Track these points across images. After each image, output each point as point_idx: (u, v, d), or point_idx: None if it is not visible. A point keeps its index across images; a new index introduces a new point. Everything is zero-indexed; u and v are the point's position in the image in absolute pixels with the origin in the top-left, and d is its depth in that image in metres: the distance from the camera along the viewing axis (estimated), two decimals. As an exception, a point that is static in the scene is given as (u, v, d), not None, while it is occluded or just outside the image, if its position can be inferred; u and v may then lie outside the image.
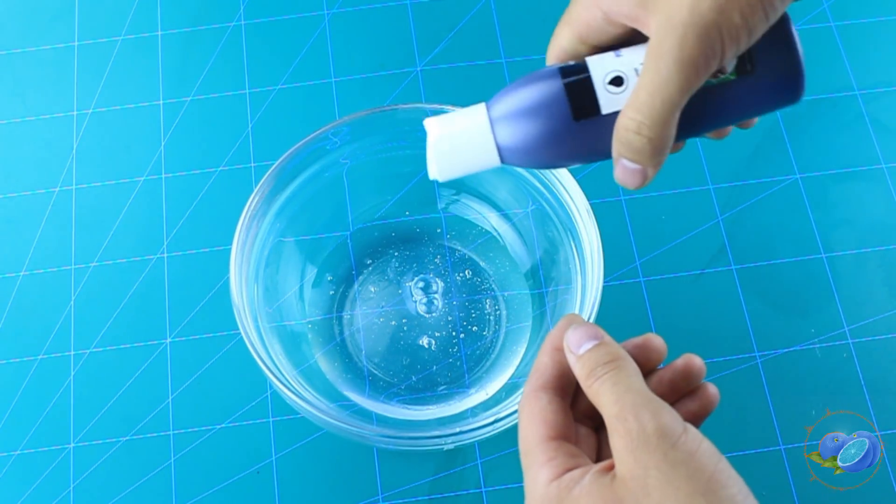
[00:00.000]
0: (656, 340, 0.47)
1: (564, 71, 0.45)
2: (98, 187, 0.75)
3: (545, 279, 0.69)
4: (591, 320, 0.58)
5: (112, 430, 0.68)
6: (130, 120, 0.78)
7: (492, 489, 0.66)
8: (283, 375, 0.59)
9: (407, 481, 0.66)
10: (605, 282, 0.59)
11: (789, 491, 0.65)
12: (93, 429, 0.68)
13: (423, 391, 0.68)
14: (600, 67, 0.44)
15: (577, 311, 0.61)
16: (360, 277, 0.71)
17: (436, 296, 0.70)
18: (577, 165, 0.47)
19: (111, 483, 0.66)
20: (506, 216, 0.71)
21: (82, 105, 0.79)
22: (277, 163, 0.63)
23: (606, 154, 0.45)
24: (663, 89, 0.41)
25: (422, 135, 0.47)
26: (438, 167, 0.47)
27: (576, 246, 0.64)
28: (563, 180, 0.62)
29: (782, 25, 0.43)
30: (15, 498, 0.66)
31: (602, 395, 0.42)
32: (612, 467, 0.40)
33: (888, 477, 0.66)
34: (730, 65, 0.43)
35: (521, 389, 0.54)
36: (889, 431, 0.67)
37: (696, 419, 0.46)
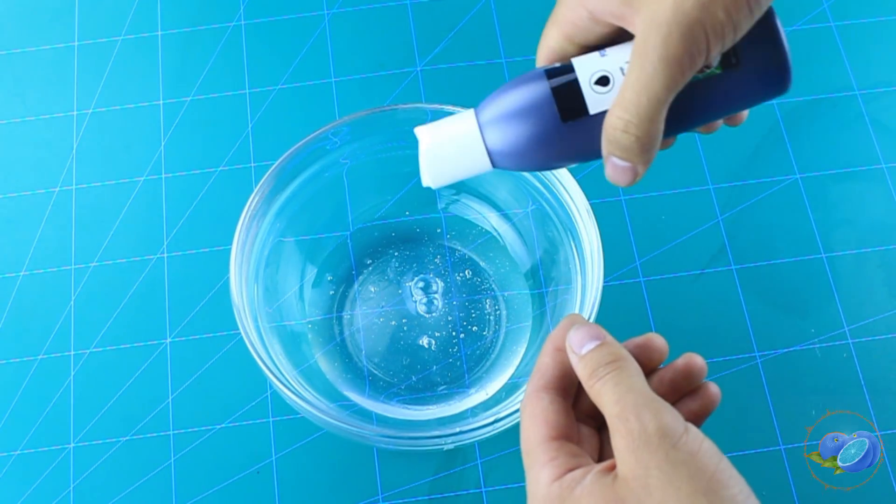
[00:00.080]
0: (658, 340, 0.47)
1: (550, 73, 0.45)
2: (98, 187, 0.75)
3: (545, 279, 0.69)
4: (592, 320, 0.58)
5: (112, 430, 0.68)
6: (130, 120, 0.78)
7: (492, 489, 0.66)
8: (283, 375, 0.59)
9: (407, 481, 0.66)
10: (605, 282, 0.59)
11: (789, 491, 0.65)
12: (93, 429, 0.68)
13: (423, 391, 0.68)
14: (586, 68, 0.44)
15: (577, 311, 0.61)
16: (360, 277, 0.71)
17: (436, 296, 0.70)
18: (568, 166, 0.47)
19: (111, 483, 0.66)
20: (506, 216, 0.71)
21: (82, 105, 0.79)
22: (277, 163, 0.63)
23: (597, 154, 0.45)
24: (649, 87, 0.41)
25: (422, 135, 0.48)
26: (431, 175, 0.47)
27: (576, 246, 0.64)
28: (563, 180, 0.62)
29: (767, 19, 0.43)
30: (15, 498, 0.66)
31: (604, 395, 0.42)
32: (613, 467, 0.40)
33: (888, 477, 0.66)
34: (715, 60, 0.43)
35: (522, 389, 0.54)
36: (889, 431, 0.67)
37: (697, 418, 0.46)
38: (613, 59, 0.44)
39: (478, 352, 0.69)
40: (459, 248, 0.72)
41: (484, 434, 0.57)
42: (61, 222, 0.74)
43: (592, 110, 0.44)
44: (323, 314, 0.70)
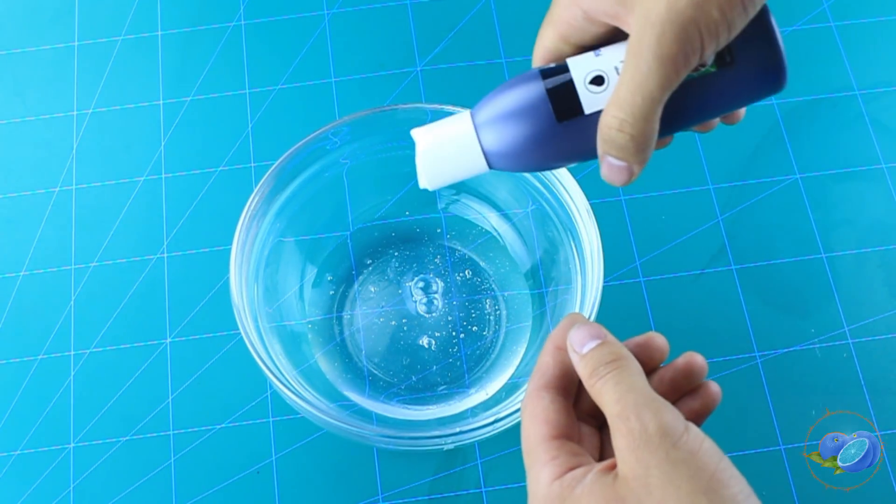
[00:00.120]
0: (658, 339, 0.47)
1: (545, 73, 0.45)
2: (98, 187, 0.75)
3: (545, 279, 0.69)
4: (592, 320, 0.58)
5: (112, 430, 0.68)
6: (130, 120, 0.78)
7: (492, 489, 0.66)
8: (283, 375, 0.59)
9: (407, 481, 0.66)
10: (605, 282, 0.59)
11: (789, 491, 0.65)
12: (93, 429, 0.68)
13: (423, 391, 0.68)
14: (581, 67, 0.44)
15: (577, 311, 0.61)
16: (360, 277, 0.71)
17: (436, 296, 0.70)
18: (564, 167, 0.47)
19: (111, 483, 0.66)
20: (506, 216, 0.71)
21: (82, 105, 0.79)
22: (277, 163, 0.63)
23: (593, 154, 0.45)
24: (644, 86, 0.41)
25: (422, 135, 0.48)
26: (427, 176, 0.47)
27: (576, 246, 0.64)
28: (563, 180, 0.62)
29: (761, 17, 0.43)
30: (15, 498, 0.66)
31: (604, 394, 0.42)
32: (614, 466, 0.40)
33: (888, 477, 0.66)
34: (709, 58, 0.43)
35: (522, 389, 0.54)
36: (889, 431, 0.67)
37: (698, 417, 0.46)
38: (608, 59, 0.44)
39: (478, 352, 0.69)
40: (459, 248, 0.72)
41: (484, 434, 0.57)
42: (61, 222, 0.74)
43: (588, 110, 0.44)
44: (323, 314, 0.70)
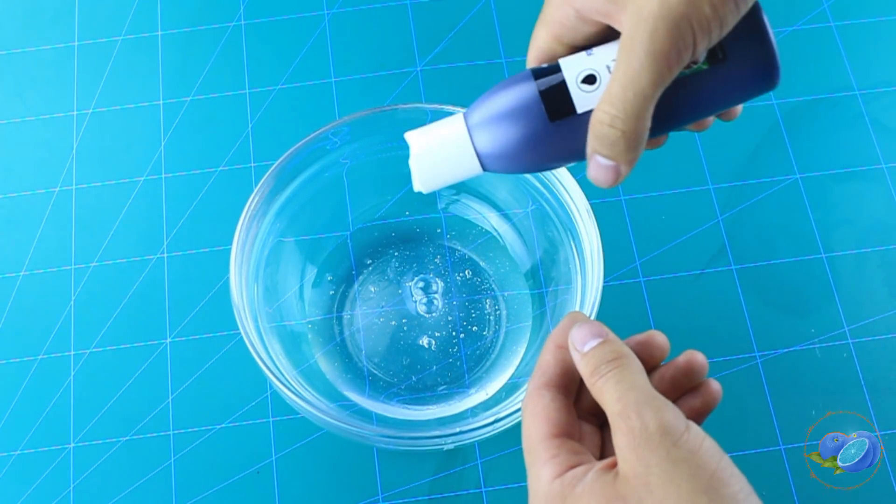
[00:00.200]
0: (659, 337, 0.47)
1: (537, 73, 0.45)
2: (98, 187, 0.75)
3: (545, 279, 0.69)
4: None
5: (112, 430, 0.68)
6: (130, 120, 0.78)
7: (492, 489, 0.66)
8: (283, 375, 0.59)
9: (407, 481, 0.66)
10: (605, 282, 0.59)
11: (789, 491, 0.65)
12: (93, 429, 0.68)
13: (423, 391, 0.68)
14: (573, 67, 0.44)
15: (578, 310, 0.61)
16: (360, 277, 0.71)
17: (436, 296, 0.70)
18: (558, 168, 0.47)
19: (111, 483, 0.66)
20: (506, 216, 0.71)
21: (82, 105, 0.79)
22: (277, 163, 0.63)
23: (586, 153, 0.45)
24: (635, 82, 0.41)
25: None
26: (421, 179, 0.47)
27: (576, 246, 0.64)
28: (563, 180, 0.62)
29: (753, 14, 0.43)
30: (15, 498, 0.66)
31: (605, 392, 0.42)
32: (614, 465, 0.41)
33: (888, 477, 0.66)
34: (701, 55, 0.43)
35: (522, 389, 0.54)
36: (889, 431, 0.67)
37: (699, 416, 0.46)
38: (600, 58, 0.44)
39: (478, 352, 0.69)
40: (459, 248, 0.72)
41: (484, 434, 0.57)
42: (61, 222, 0.74)
43: (580, 109, 0.44)
44: (323, 314, 0.70)
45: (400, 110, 0.64)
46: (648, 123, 0.43)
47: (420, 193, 0.48)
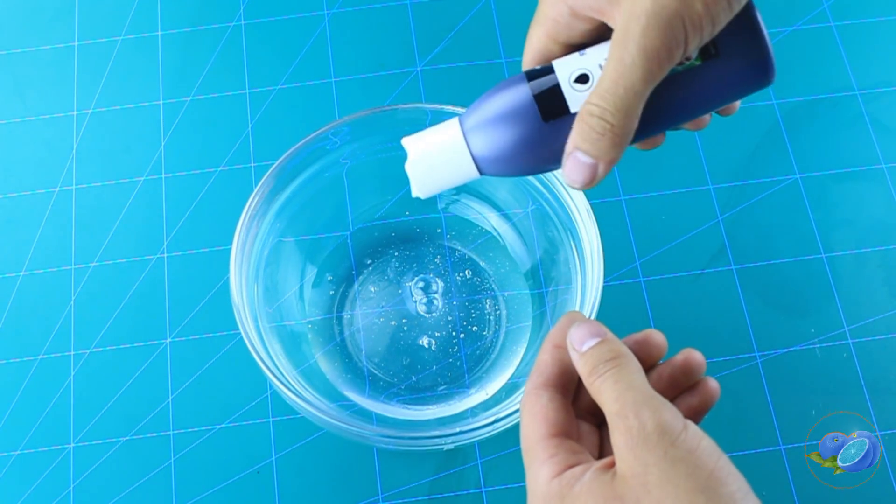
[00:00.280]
0: (657, 336, 0.47)
1: (530, 75, 0.45)
2: (98, 187, 0.75)
3: (545, 279, 0.69)
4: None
5: (112, 430, 0.68)
6: (130, 120, 0.78)
7: (492, 489, 0.66)
8: (283, 375, 0.59)
9: (407, 481, 0.66)
10: (605, 282, 0.59)
11: (789, 491, 0.65)
12: (93, 429, 0.68)
13: (423, 391, 0.68)
14: (566, 67, 0.44)
15: (576, 310, 0.61)
16: (360, 277, 0.71)
17: (436, 296, 0.70)
18: (554, 170, 0.47)
19: (111, 483, 0.66)
20: (506, 216, 0.71)
21: (82, 105, 0.79)
22: (277, 163, 0.63)
23: None
24: (626, 77, 0.41)
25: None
26: (419, 185, 0.47)
27: (576, 246, 0.64)
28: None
29: (746, 11, 0.43)
30: (15, 498, 0.66)
31: (603, 392, 0.42)
32: (612, 464, 0.41)
33: (888, 477, 0.66)
34: (693, 52, 0.43)
35: (522, 389, 0.54)
36: (889, 431, 0.67)
37: (696, 414, 0.46)
38: (592, 58, 0.44)
39: (478, 352, 0.69)
40: (459, 248, 0.72)
41: (484, 434, 0.57)
42: (61, 222, 0.74)
43: (573, 108, 0.44)
44: (323, 314, 0.70)
45: (400, 110, 0.64)
46: (636, 123, 0.42)
47: (419, 194, 0.48)
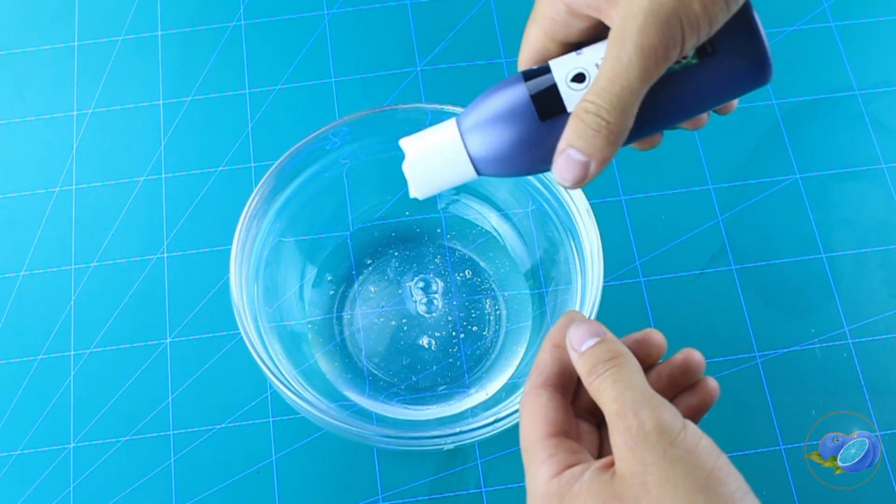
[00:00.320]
0: (656, 336, 0.47)
1: (527, 75, 0.45)
2: (98, 187, 0.75)
3: (545, 279, 0.69)
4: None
5: (112, 430, 0.68)
6: (130, 120, 0.78)
7: (492, 489, 0.66)
8: (283, 375, 0.59)
9: (407, 481, 0.66)
10: (605, 282, 0.59)
11: (789, 491, 0.65)
12: (93, 429, 0.68)
13: (423, 391, 0.68)
14: (562, 67, 0.44)
15: (575, 309, 0.61)
16: (360, 277, 0.71)
17: (436, 296, 0.70)
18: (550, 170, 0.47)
19: (111, 483, 0.66)
20: (506, 216, 0.71)
21: (82, 105, 0.79)
22: (277, 163, 0.63)
23: None
24: (623, 76, 0.41)
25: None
26: (416, 186, 0.47)
27: (576, 246, 0.64)
28: (563, 180, 0.62)
29: (743, 11, 0.43)
30: (15, 498, 0.66)
31: (603, 391, 0.42)
32: (612, 464, 0.41)
33: (888, 477, 0.66)
34: (690, 51, 0.43)
35: (522, 389, 0.54)
36: (889, 431, 0.67)
37: (696, 414, 0.46)
38: (589, 57, 0.44)
39: (478, 352, 0.69)
40: (459, 248, 0.72)
41: (484, 434, 0.57)
42: (61, 222, 0.74)
43: (570, 107, 0.44)
44: (323, 314, 0.70)
45: (400, 110, 0.64)
46: (631, 121, 0.42)
47: (419, 194, 0.48)
